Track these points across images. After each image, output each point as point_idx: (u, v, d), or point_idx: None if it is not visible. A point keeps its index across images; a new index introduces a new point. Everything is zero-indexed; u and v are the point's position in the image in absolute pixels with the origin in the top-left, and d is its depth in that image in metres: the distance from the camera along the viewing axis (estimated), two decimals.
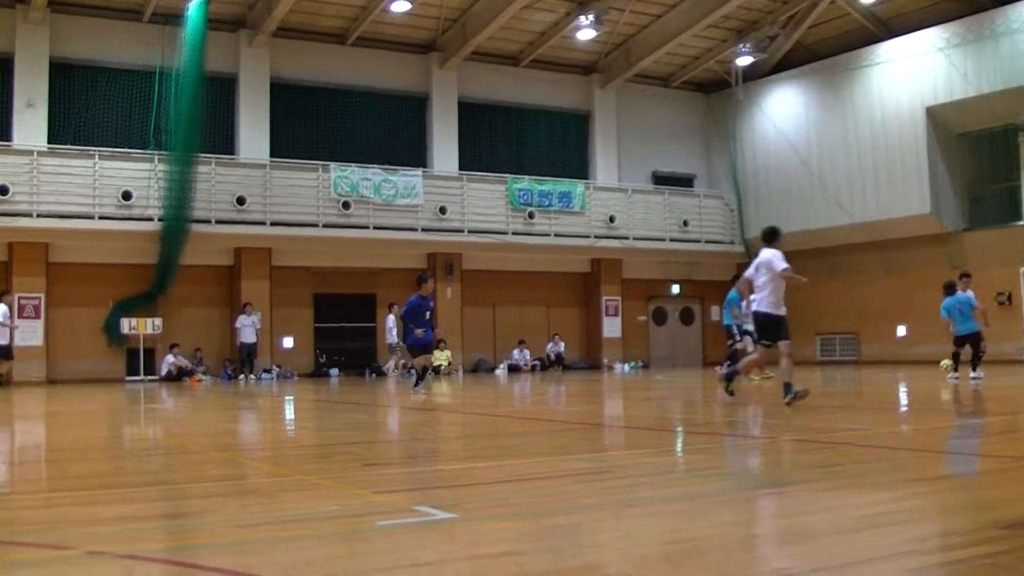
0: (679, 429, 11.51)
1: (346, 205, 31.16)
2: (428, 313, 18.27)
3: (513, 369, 33.42)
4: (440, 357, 31.92)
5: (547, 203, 34.35)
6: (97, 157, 28.62)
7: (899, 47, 33.27)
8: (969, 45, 31.36)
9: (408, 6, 31.14)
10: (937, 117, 32.36)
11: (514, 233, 33.67)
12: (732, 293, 21.79)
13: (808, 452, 8.60)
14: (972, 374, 20.12)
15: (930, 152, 32.31)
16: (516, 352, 34.05)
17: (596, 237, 35.01)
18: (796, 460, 8.22)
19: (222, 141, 31.32)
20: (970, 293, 21.12)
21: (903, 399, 16.53)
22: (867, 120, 34.09)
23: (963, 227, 32.91)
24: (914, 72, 32.61)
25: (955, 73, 31.59)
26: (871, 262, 34.66)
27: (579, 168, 37.36)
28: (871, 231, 33.86)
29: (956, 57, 31.58)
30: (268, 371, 30.20)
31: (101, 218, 28.33)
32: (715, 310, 38.23)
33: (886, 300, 33.81)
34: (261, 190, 30.41)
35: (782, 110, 37.16)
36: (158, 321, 29.08)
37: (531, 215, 33.99)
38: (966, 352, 20.75)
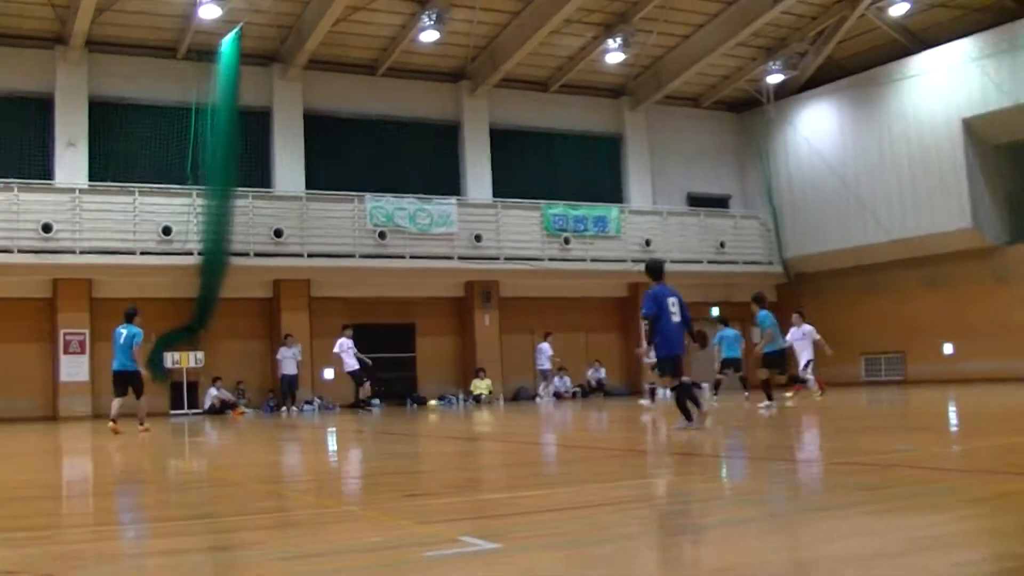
0: (723, 454, 11.45)
1: (382, 235, 31.27)
2: None
3: (554, 396, 33.28)
4: (480, 386, 32.01)
5: (582, 228, 34.32)
6: (137, 193, 28.89)
7: (932, 59, 33.08)
8: (1003, 55, 31.14)
9: (437, 36, 31.27)
10: (974, 128, 32.10)
11: (550, 259, 33.65)
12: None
13: (855, 475, 8.53)
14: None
15: (968, 164, 31.98)
16: (556, 379, 33.87)
17: (632, 261, 34.86)
18: (843, 483, 8.14)
19: (258, 174, 31.55)
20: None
21: (952, 418, 16.35)
22: (902, 134, 33.87)
23: (1006, 240, 32.47)
24: (948, 84, 32.40)
25: (990, 83, 31.36)
26: (913, 279, 34.27)
27: (613, 192, 37.32)
28: (911, 247, 33.52)
29: (990, 67, 31.36)
30: (310, 403, 30.26)
31: (142, 253, 28.59)
32: (756, 332, 37.99)
33: (931, 317, 33.38)
34: (298, 222, 30.58)
35: (815, 127, 37.01)
36: (200, 355, 29.21)
37: (567, 240, 33.96)
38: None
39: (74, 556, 5.76)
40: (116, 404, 18.82)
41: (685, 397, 14.05)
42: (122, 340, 18.91)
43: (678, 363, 14.21)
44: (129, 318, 19.28)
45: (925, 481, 7.84)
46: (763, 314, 21.37)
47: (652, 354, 14.54)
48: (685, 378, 14.42)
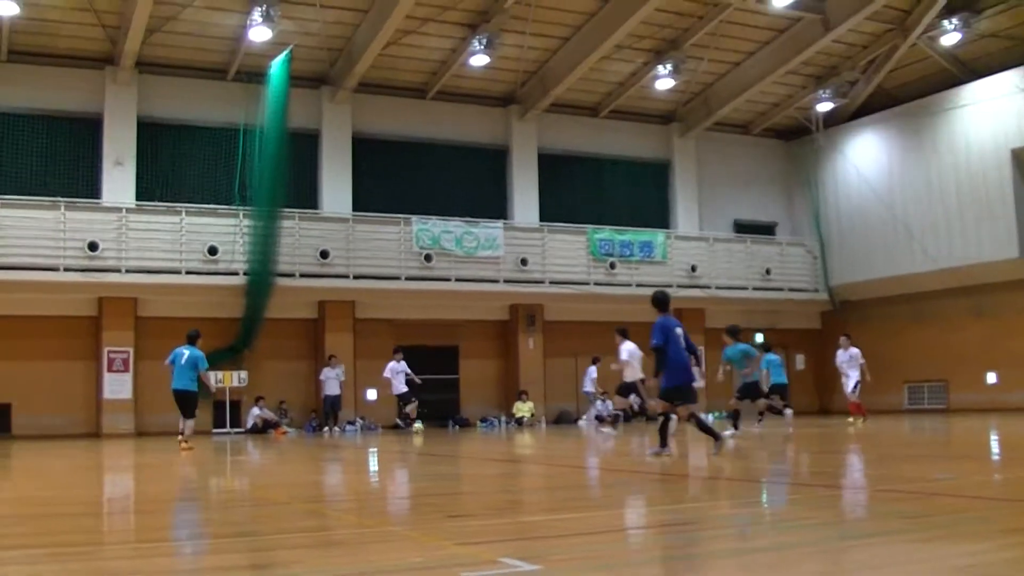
0: (764, 480, 11.39)
1: (428, 258, 31.36)
2: None
3: (597, 420, 33.15)
4: (523, 409, 32.00)
5: (628, 253, 34.29)
6: (183, 213, 29.13)
7: (982, 89, 32.88)
8: None
9: (487, 60, 31.35)
10: (1022, 159, 31.84)
11: (595, 283, 33.63)
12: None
13: (896, 502, 8.47)
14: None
15: (1017, 195, 31.75)
16: (599, 403, 33.75)
17: (678, 287, 34.76)
18: (884, 510, 8.08)
19: (305, 196, 31.69)
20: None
21: (994, 448, 16.20)
22: (951, 164, 33.65)
23: None
24: (998, 114, 32.16)
25: None
26: (959, 308, 33.97)
27: (660, 217, 37.28)
28: (958, 276, 33.24)
29: None
30: (352, 423, 30.33)
31: (188, 273, 28.80)
32: (800, 359, 37.87)
33: (976, 346, 33.10)
34: (344, 244, 30.73)
35: (864, 156, 36.84)
36: (244, 374, 29.37)
37: (612, 265, 33.93)
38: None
39: (117, 572, 5.81)
40: (189, 424, 19.63)
41: (700, 424, 14.23)
42: (183, 361, 19.48)
43: (690, 392, 14.30)
44: (192, 340, 19.88)
45: (966, 510, 7.78)
46: (737, 348, 21.69)
47: (651, 384, 14.59)
48: (652, 404, 14.57)
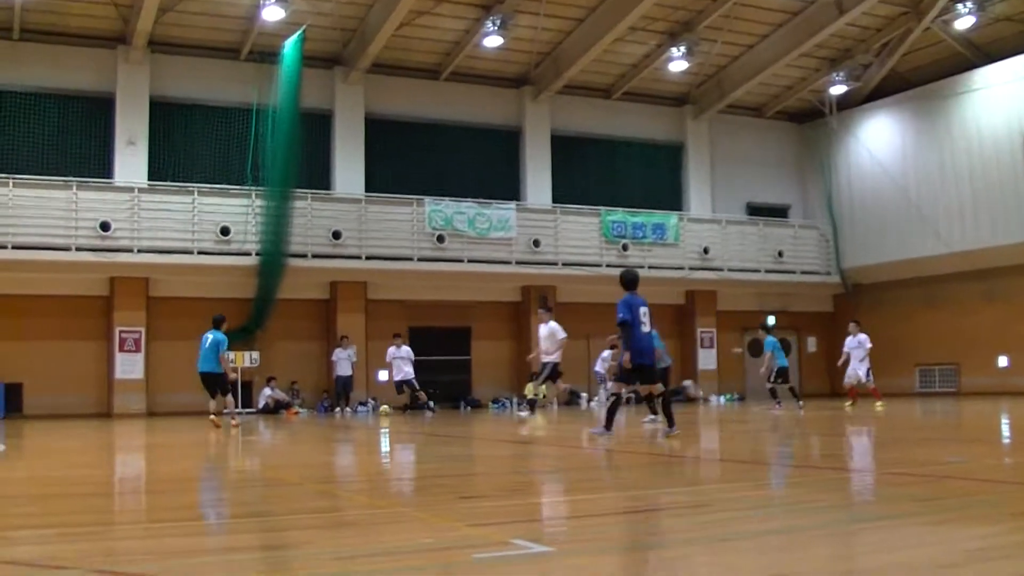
0: (776, 463, 11.39)
1: (440, 239, 31.35)
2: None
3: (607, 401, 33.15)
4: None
5: (641, 235, 34.25)
6: (196, 193, 29.13)
7: (996, 73, 32.72)
8: None
9: (500, 41, 31.28)
10: None
11: (608, 265, 33.56)
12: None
13: (907, 485, 8.46)
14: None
15: None
16: (611, 384, 33.70)
17: (690, 269, 34.78)
18: (895, 493, 8.06)
19: (318, 176, 31.68)
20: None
21: (1005, 431, 16.17)
22: (964, 147, 33.51)
23: None
24: (1011, 98, 31.99)
25: None
26: (971, 291, 33.87)
27: (672, 200, 37.22)
28: (971, 260, 33.12)
29: None
30: (364, 404, 30.38)
31: (200, 253, 28.83)
32: (812, 341, 37.85)
33: (987, 330, 33.03)
34: (356, 224, 30.72)
35: (877, 139, 36.71)
36: (256, 354, 29.39)
37: (625, 247, 33.91)
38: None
39: (127, 552, 5.82)
40: (212, 404, 20.16)
41: (662, 403, 14.53)
42: (207, 344, 20.16)
43: (648, 372, 14.41)
44: (216, 324, 20.55)
45: (977, 493, 7.78)
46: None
47: (626, 360, 14.56)
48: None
